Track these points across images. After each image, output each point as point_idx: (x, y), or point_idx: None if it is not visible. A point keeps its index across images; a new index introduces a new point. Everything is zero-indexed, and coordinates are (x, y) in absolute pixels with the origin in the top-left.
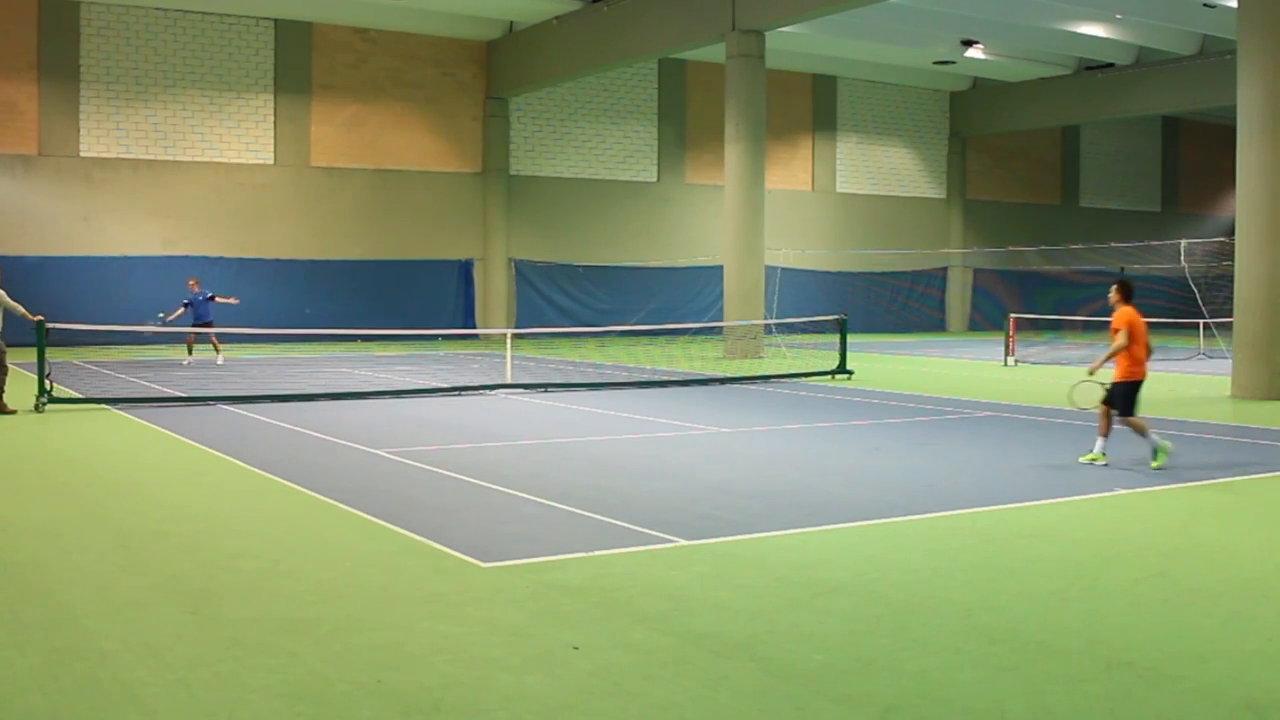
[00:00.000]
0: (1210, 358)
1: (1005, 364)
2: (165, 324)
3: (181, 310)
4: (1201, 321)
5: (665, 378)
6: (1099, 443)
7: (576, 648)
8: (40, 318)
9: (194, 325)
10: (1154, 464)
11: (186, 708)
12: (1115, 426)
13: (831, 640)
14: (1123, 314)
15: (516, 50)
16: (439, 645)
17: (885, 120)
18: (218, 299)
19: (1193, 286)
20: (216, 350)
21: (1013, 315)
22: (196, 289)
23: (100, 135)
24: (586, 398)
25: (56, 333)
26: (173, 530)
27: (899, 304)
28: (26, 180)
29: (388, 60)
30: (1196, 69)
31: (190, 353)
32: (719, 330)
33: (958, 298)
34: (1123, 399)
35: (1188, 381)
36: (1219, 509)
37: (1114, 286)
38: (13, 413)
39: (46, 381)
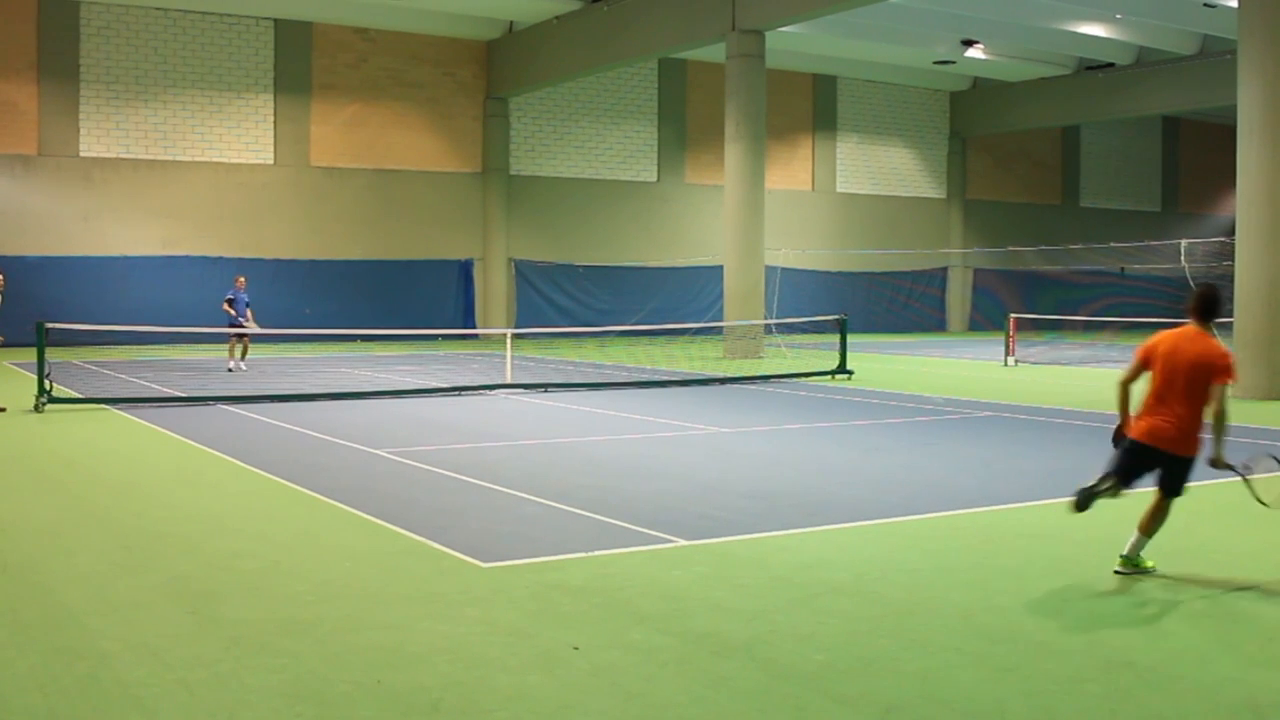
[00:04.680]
0: None
1: (1005, 364)
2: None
3: (227, 305)
4: None
5: (665, 378)
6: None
7: (576, 648)
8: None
9: (228, 326)
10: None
11: (186, 708)
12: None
13: (831, 640)
14: None
15: (516, 50)
16: (439, 645)
17: (885, 120)
18: (249, 312)
19: (1193, 286)
20: (242, 354)
21: (1013, 315)
22: (243, 288)
23: (100, 135)
24: (586, 398)
25: (56, 333)
26: (173, 530)
27: (899, 304)
28: (26, 180)
29: (388, 60)
30: (1196, 69)
31: (233, 355)
32: (719, 330)
33: (958, 298)
34: None
35: None
36: (1219, 509)
37: None
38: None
39: (46, 381)
